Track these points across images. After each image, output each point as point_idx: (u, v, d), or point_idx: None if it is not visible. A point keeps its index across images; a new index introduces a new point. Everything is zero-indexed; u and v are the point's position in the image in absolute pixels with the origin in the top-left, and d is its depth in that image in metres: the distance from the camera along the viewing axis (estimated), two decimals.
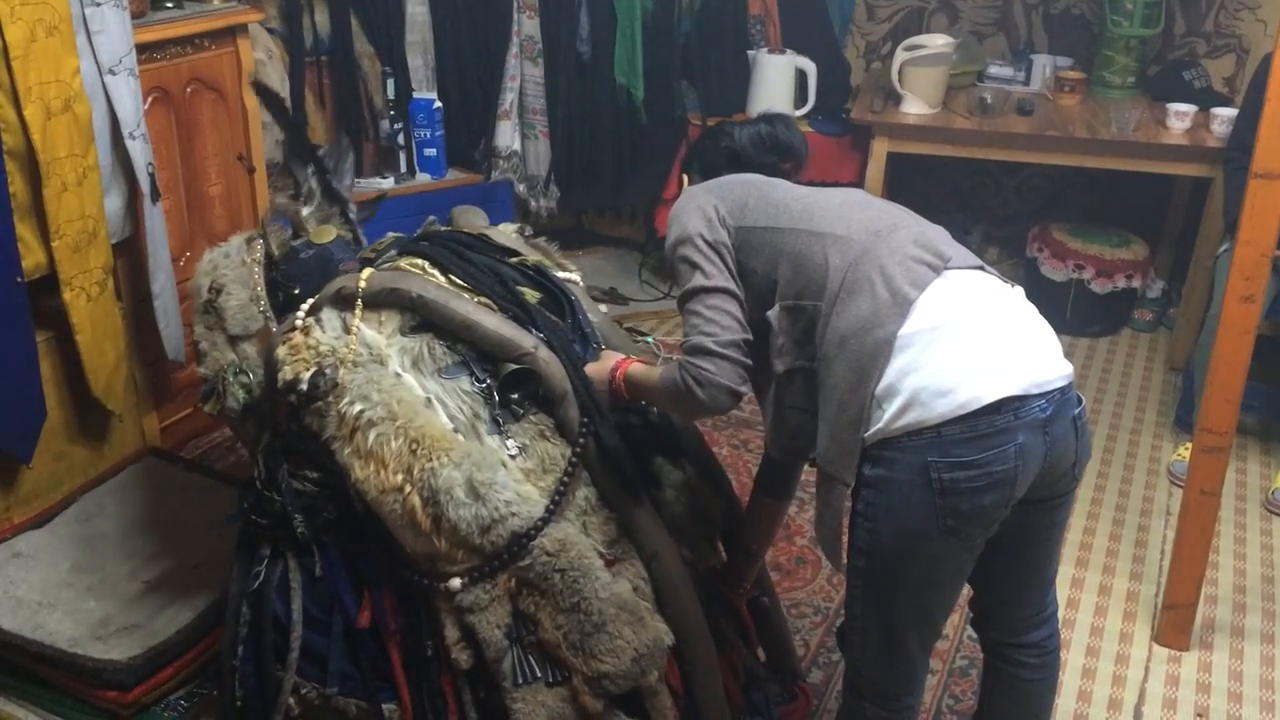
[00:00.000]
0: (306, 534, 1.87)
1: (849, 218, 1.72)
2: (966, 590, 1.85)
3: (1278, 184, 2.14)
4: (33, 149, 2.32)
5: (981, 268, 1.70)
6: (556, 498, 1.79)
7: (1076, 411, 1.64)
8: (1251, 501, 3.09)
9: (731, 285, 1.72)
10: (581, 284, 2.19)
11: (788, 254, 1.71)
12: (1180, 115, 3.52)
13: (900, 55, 3.67)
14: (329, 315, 1.92)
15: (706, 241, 1.73)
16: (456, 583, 1.76)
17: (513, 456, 1.82)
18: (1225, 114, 3.43)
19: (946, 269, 1.64)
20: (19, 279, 2.37)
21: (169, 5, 2.86)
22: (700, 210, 1.77)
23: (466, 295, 1.93)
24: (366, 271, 1.95)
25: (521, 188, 3.98)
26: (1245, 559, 2.85)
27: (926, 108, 3.69)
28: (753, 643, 2.18)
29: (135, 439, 2.88)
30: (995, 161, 4.16)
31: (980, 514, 1.56)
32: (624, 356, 1.90)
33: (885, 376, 1.56)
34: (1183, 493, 2.46)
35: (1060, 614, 2.58)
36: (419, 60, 3.76)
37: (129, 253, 2.76)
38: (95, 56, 2.46)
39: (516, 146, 3.92)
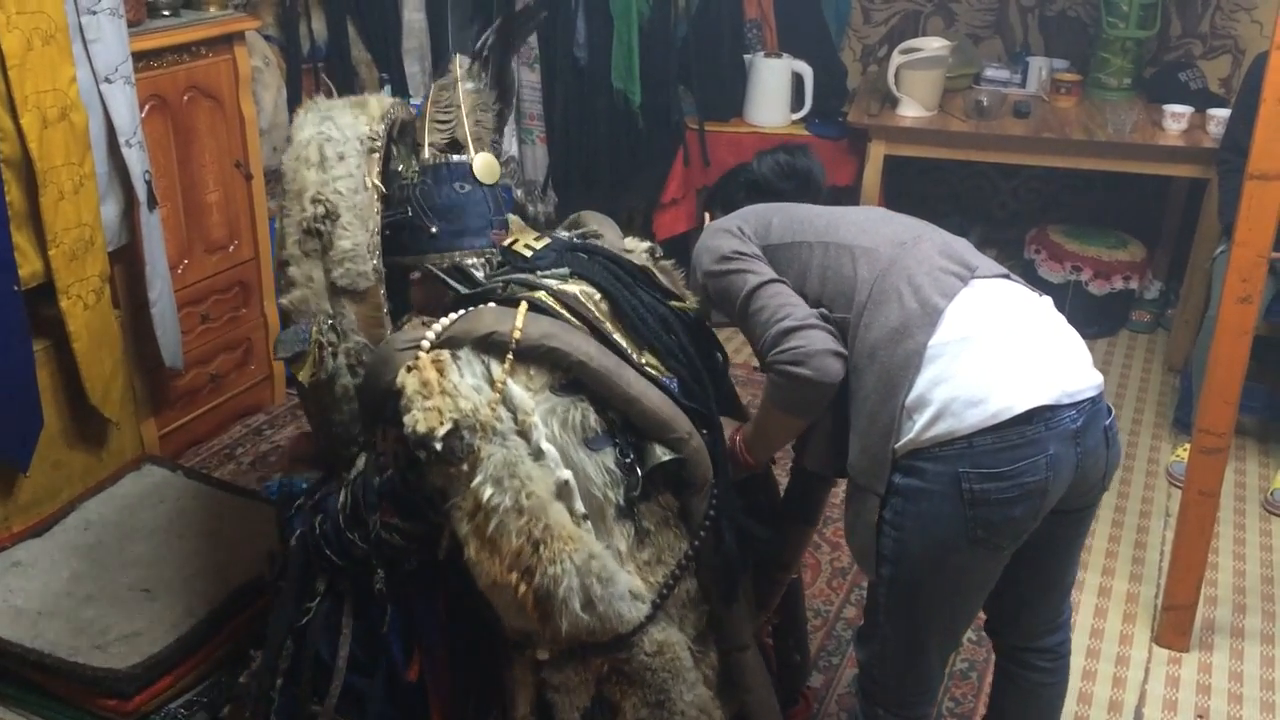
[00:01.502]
0: (385, 591, 1.75)
1: (873, 231, 1.73)
2: None
3: (1274, 185, 2.15)
4: (29, 157, 2.32)
5: (1008, 276, 1.70)
6: (664, 593, 1.70)
7: (1108, 422, 1.63)
8: (1250, 502, 3.09)
9: (779, 277, 1.71)
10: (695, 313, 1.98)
11: (815, 267, 1.71)
12: (1176, 117, 3.52)
13: (896, 58, 3.67)
14: (469, 358, 1.66)
15: (741, 253, 1.73)
16: (544, 654, 1.68)
17: (636, 542, 1.70)
18: (1221, 115, 3.44)
19: (974, 278, 1.65)
20: (16, 287, 2.37)
21: (165, 13, 2.86)
22: (727, 232, 1.78)
23: (631, 349, 1.74)
24: (521, 314, 1.67)
25: (519, 193, 3.95)
26: (1244, 560, 2.84)
27: (923, 111, 3.69)
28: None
29: (134, 447, 2.88)
30: (992, 164, 4.17)
31: (1010, 525, 1.56)
32: (737, 424, 1.87)
33: (916, 387, 1.56)
34: (1182, 494, 2.46)
35: None
36: (416, 67, 3.76)
37: (127, 260, 2.76)
38: (91, 65, 2.47)
39: (514, 152, 3.92)
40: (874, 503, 1.62)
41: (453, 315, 1.70)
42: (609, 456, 1.68)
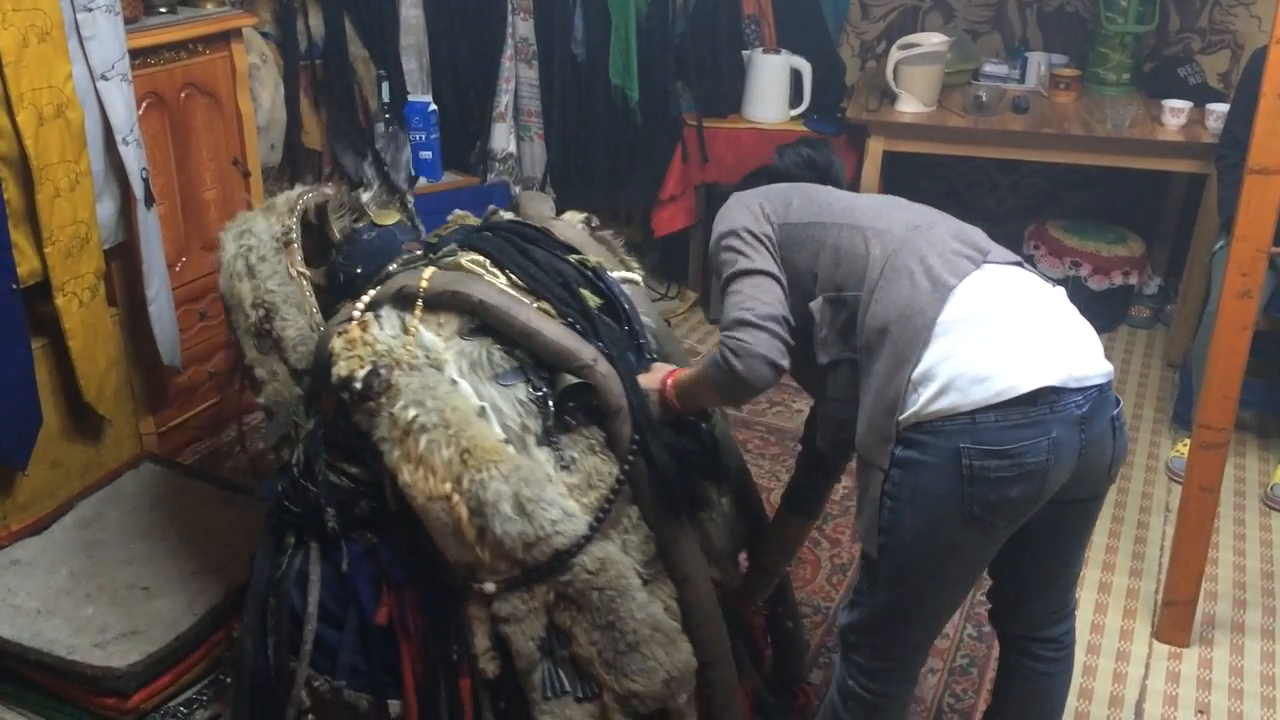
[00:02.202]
0: (337, 528, 1.85)
1: (889, 214, 1.76)
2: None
3: (1274, 179, 2.14)
4: (25, 155, 2.32)
5: (1020, 264, 1.72)
6: (600, 515, 1.77)
7: (1115, 412, 1.64)
8: (1250, 497, 3.09)
9: (774, 269, 1.73)
10: (642, 284, 2.16)
11: (829, 246, 1.74)
12: (1175, 112, 3.52)
13: (895, 54, 3.67)
14: (388, 313, 1.88)
15: (751, 232, 1.76)
16: (490, 586, 1.74)
17: (562, 468, 1.80)
18: (1220, 110, 3.43)
19: (986, 262, 1.67)
20: (15, 285, 2.37)
21: (162, 10, 2.86)
22: (746, 207, 1.81)
23: (528, 299, 1.89)
24: (428, 271, 1.90)
25: (517, 190, 3.97)
26: (1245, 555, 2.84)
27: (922, 106, 3.69)
28: (763, 666, 2.17)
29: (132, 445, 2.88)
30: (991, 159, 4.16)
31: (1006, 505, 1.56)
32: (673, 368, 1.89)
33: (923, 361, 1.57)
34: (1182, 489, 2.46)
35: None
36: (414, 63, 3.76)
37: (124, 258, 2.75)
38: (88, 62, 2.46)
39: (512, 149, 3.91)
40: (878, 478, 1.63)
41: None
42: (520, 390, 1.83)
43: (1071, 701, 2.36)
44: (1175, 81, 3.76)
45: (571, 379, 1.82)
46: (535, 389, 1.83)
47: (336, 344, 1.82)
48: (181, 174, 2.93)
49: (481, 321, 1.87)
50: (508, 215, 2.20)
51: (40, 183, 2.36)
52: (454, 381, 1.80)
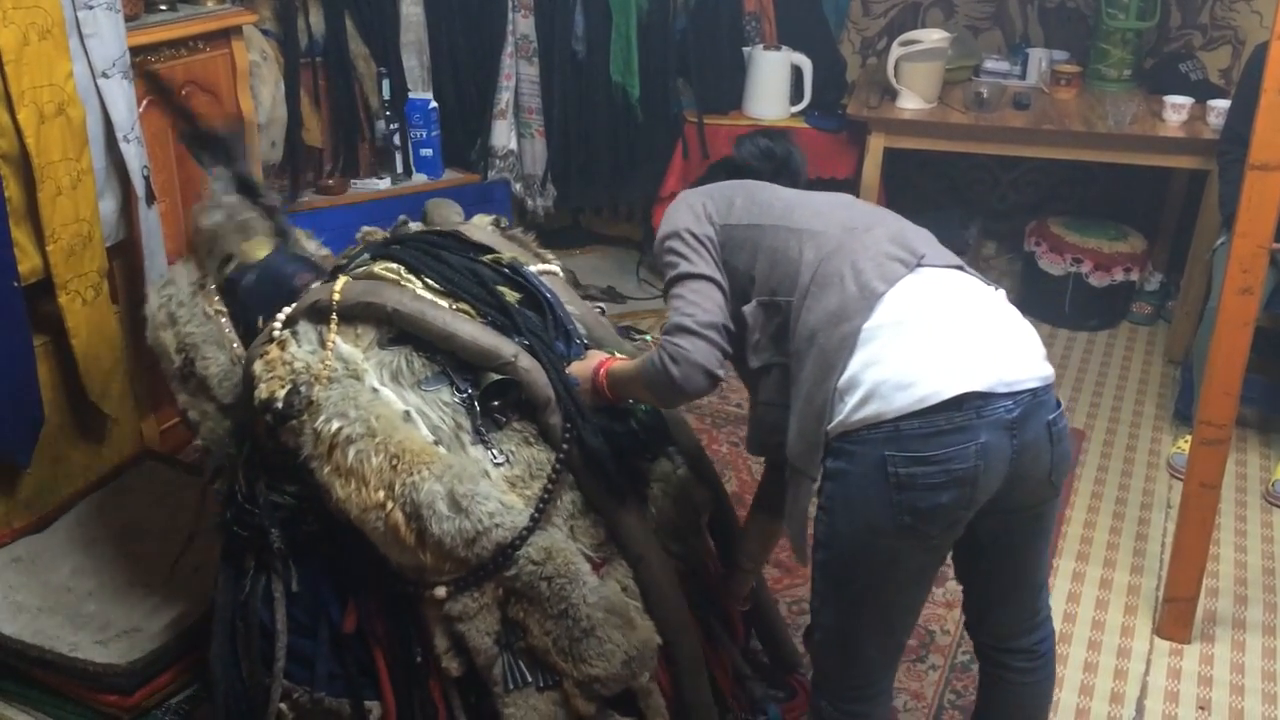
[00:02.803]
0: (283, 549, 1.85)
1: (828, 215, 1.73)
2: (960, 588, 1.85)
3: (1274, 175, 2.14)
4: (27, 153, 2.32)
5: (960, 267, 1.68)
6: (541, 505, 1.78)
7: (1052, 417, 1.59)
8: (1252, 494, 3.09)
9: (715, 274, 1.73)
10: (562, 274, 2.17)
11: (765, 249, 1.72)
12: (1177, 108, 3.51)
13: (896, 50, 3.66)
14: (305, 328, 1.88)
15: (693, 234, 1.76)
16: (441, 591, 1.75)
17: (497, 465, 1.80)
18: (1222, 106, 3.43)
19: (920, 266, 1.63)
20: (16, 283, 2.37)
21: (163, 8, 2.86)
22: (689, 208, 1.81)
23: (444, 302, 1.89)
24: (340, 282, 1.90)
25: (518, 187, 3.98)
26: (1246, 551, 2.84)
27: (923, 103, 3.68)
28: (739, 640, 2.18)
29: (134, 442, 2.87)
30: (992, 156, 4.16)
31: (938, 512, 1.53)
32: (607, 355, 1.90)
33: (848, 369, 1.55)
34: (1183, 485, 2.46)
35: (1061, 608, 2.60)
36: (414, 60, 3.76)
37: (126, 256, 2.75)
38: (88, 60, 2.46)
39: (513, 146, 3.92)
40: (808, 486, 1.62)
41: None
42: (444, 393, 1.83)
43: (1072, 698, 2.36)
44: (1176, 77, 3.76)
45: (494, 376, 1.83)
46: (459, 390, 1.84)
47: (258, 367, 1.83)
48: (182, 171, 2.92)
49: (399, 330, 1.87)
50: (416, 226, 2.22)
51: (42, 181, 2.36)
52: (375, 390, 1.80)
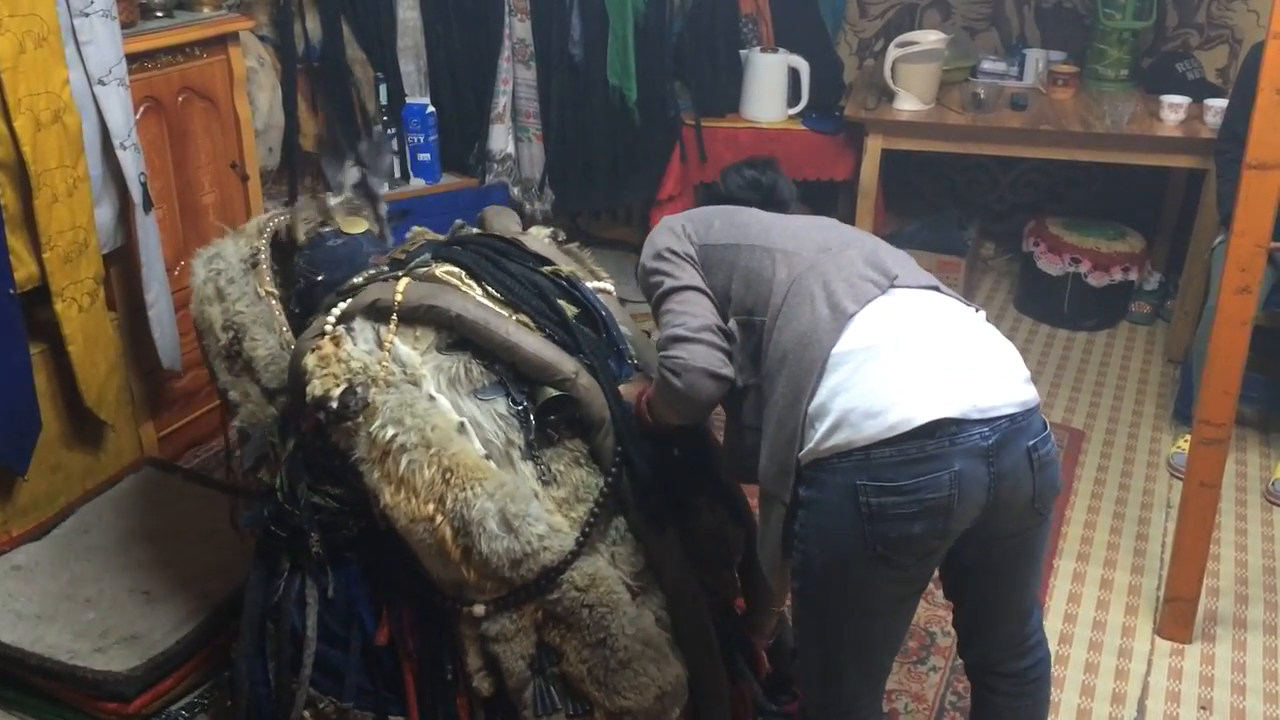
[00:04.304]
0: (321, 553, 1.82)
1: (804, 237, 1.72)
2: None
3: (1272, 175, 2.14)
4: (23, 160, 2.32)
5: (936, 288, 1.66)
6: (587, 529, 1.75)
7: (1033, 443, 1.53)
8: (1252, 493, 3.09)
9: (700, 284, 1.74)
10: (614, 293, 2.14)
11: (741, 269, 1.72)
12: (1174, 107, 3.51)
13: (893, 52, 3.67)
14: (361, 326, 1.83)
15: (673, 251, 1.77)
16: (480, 609, 1.72)
17: (544, 484, 1.77)
18: (1219, 105, 3.43)
19: (894, 287, 1.61)
20: (12, 291, 2.37)
21: (159, 14, 2.85)
22: (669, 230, 1.83)
23: (505, 312, 1.86)
24: (403, 283, 1.85)
25: (516, 191, 3.97)
26: (1246, 550, 2.84)
27: (920, 104, 3.68)
28: (761, 673, 2.17)
29: (132, 449, 2.88)
30: (990, 157, 4.16)
31: (910, 542, 1.50)
32: (649, 382, 1.87)
33: (818, 395, 1.53)
34: (1182, 485, 2.46)
35: (1062, 608, 2.60)
36: (411, 65, 3.75)
37: (123, 263, 2.75)
38: (85, 67, 2.46)
39: (510, 150, 3.91)
40: (780, 512, 1.60)
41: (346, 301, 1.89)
42: (500, 404, 1.80)
43: (1073, 699, 2.35)
44: (1173, 77, 3.76)
45: (552, 391, 1.79)
46: (515, 403, 1.80)
47: (309, 360, 1.77)
48: (179, 178, 2.92)
49: (459, 335, 1.83)
50: (474, 231, 2.19)
51: (38, 188, 2.36)
52: (431, 397, 1.76)
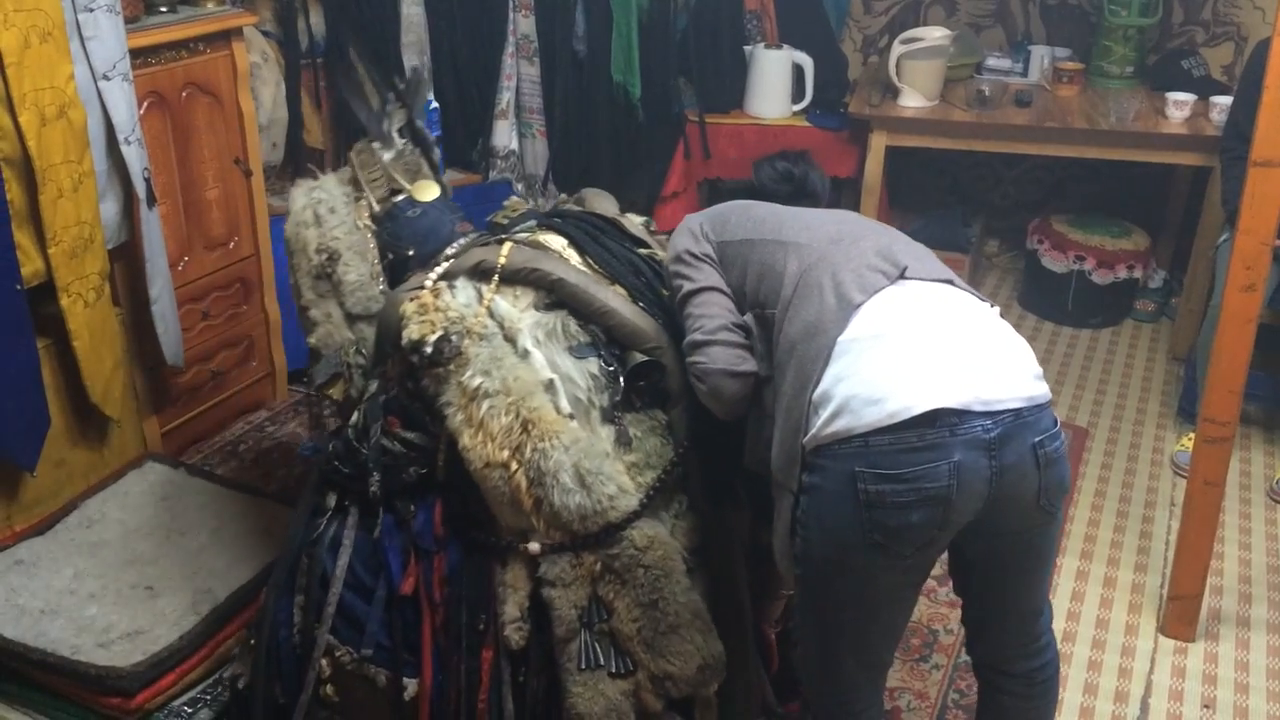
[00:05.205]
0: (378, 494, 1.88)
1: (817, 229, 1.73)
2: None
3: (1277, 172, 2.13)
4: (28, 156, 2.32)
5: (950, 281, 1.65)
6: (651, 493, 1.81)
7: (1039, 439, 1.52)
8: (1256, 491, 3.08)
9: (717, 283, 1.77)
10: None
11: (754, 263, 1.74)
12: (1179, 104, 3.51)
13: (897, 48, 3.66)
14: (463, 284, 1.92)
15: (691, 254, 1.81)
16: (535, 546, 1.78)
17: (620, 446, 1.83)
18: (1224, 103, 3.42)
19: (904, 278, 1.61)
20: (19, 286, 2.37)
21: (163, 10, 2.85)
22: (689, 230, 1.86)
23: (605, 281, 1.94)
24: (506, 246, 1.94)
25: (520, 187, 3.97)
26: (1250, 549, 2.84)
27: (924, 101, 3.68)
28: (772, 668, 2.17)
29: (136, 444, 2.88)
30: (994, 154, 4.15)
31: (908, 532, 1.50)
32: None
33: (822, 382, 1.54)
34: (1186, 483, 2.46)
35: (1065, 606, 2.60)
36: (415, 61, 3.75)
37: (127, 258, 2.75)
38: (89, 62, 2.46)
39: (514, 146, 3.91)
40: (789, 500, 1.60)
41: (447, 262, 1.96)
42: (593, 364, 1.86)
43: (1076, 697, 2.35)
44: (1179, 74, 3.75)
45: (642, 356, 1.86)
46: (607, 364, 1.87)
47: (408, 308, 1.85)
48: (183, 173, 2.92)
49: (556, 298, 1.91)
50: (576, 208, 2.25)
51: (43, 183, 2.36)
52: (527, 352, 1.83)
